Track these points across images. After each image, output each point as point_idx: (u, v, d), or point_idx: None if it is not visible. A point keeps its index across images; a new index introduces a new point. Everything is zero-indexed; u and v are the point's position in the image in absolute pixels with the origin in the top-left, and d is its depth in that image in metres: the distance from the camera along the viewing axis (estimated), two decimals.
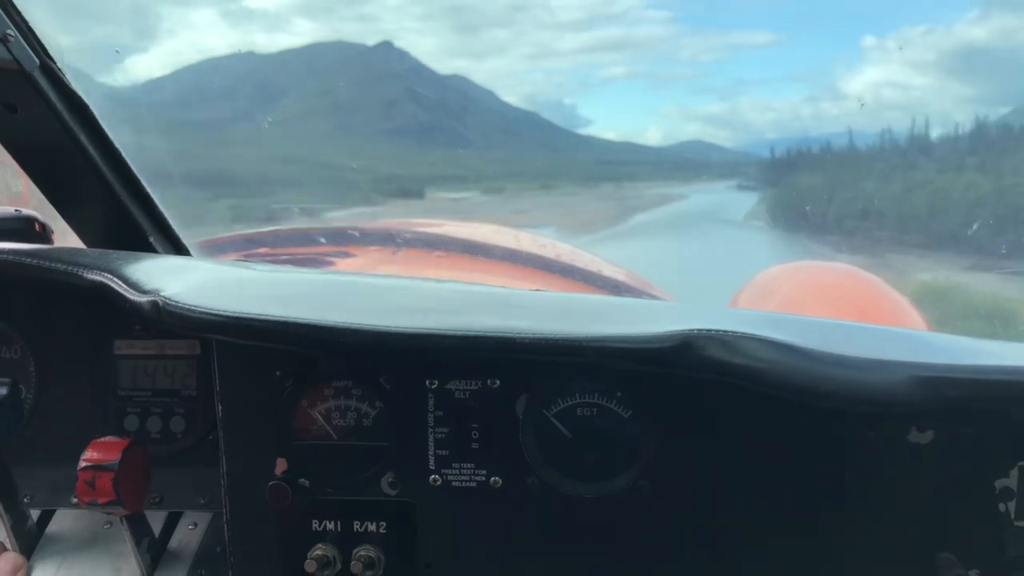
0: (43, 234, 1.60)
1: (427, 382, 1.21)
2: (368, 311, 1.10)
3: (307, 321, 1.06)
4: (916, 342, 1.18)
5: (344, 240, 2.46)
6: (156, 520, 1.39)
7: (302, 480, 1.24)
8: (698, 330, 1.01)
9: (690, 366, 1.01)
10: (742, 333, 1.00)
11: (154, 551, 1.33)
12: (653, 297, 2.61)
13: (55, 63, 1.36)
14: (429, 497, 1.23)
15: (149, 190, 1.58)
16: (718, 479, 1.19)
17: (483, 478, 1.22)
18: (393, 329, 1.05)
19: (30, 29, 1.32)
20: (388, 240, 2.55)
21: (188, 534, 1.39)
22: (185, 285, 1.17)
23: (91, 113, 1.44)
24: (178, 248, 1.69)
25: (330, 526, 1.25)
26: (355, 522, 1.25)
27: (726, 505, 1.19)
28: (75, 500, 1.23)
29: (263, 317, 1.06)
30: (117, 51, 1.60)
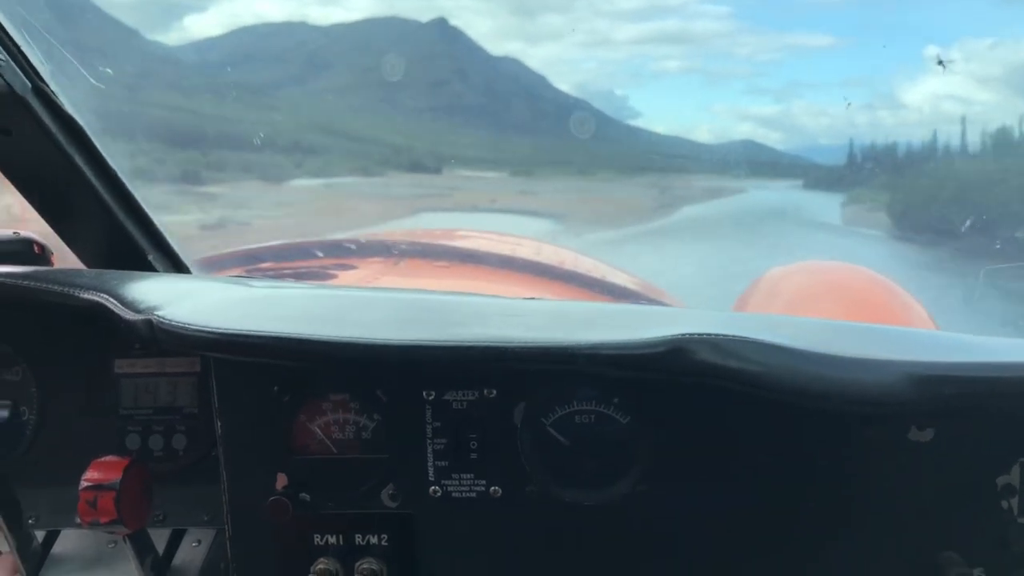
0: (42, 256, 1.61)
1: (424, 393, 1.21)
2: (361, 324, 1.10)
3: (300, 336, 1.06)
4: (911, 340, 1.18)
5: (345, 252, 2.47)
6: (160, 538, 1.39)
7: (303, 495, 1.24)
8: (689, 335, 1.01)
9: (682, 371, 1.01)
10: (733, 336, 1.00)
11: (158, 569, 1.34)
12: (655, 302, 2.61)
13: (47, 86, 1.37)
14: (429, 508, 1.23)
15: (146, 209, 1.59)
16: (717, 482, 1.19)
17: (483, 488, 1.22)
18: (386, 342, 1.05)
19: (21, 52, 1.33)
20: (388, 251, 2.56)
21: (192, 551, 1.39)
22: (180, 303, 1.17)
23: (86, 134, 1.45)
24: (177, 266, 1.69)
25: (332, 540, 1.25)
26: (356, 535, 1.25)
27: (726, 508, 1.19)
28: (79, 520, 1.23)
29: (257, 333, 1.07)
30: None
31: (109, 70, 1.46)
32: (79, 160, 1.46)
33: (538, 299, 1.36)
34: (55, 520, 1.43)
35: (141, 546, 1.29)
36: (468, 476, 1.22)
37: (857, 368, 1.00)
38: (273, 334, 1.06)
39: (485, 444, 1.21)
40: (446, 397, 1.21)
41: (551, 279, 2.55)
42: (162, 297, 1.20)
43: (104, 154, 1.49)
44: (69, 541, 1.42)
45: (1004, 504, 1.16)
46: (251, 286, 1.42)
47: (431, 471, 1.22)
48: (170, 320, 1.10)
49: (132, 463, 1.22)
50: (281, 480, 1.24)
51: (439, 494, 1.22)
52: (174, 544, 1.41)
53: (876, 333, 1.23)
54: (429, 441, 1.22)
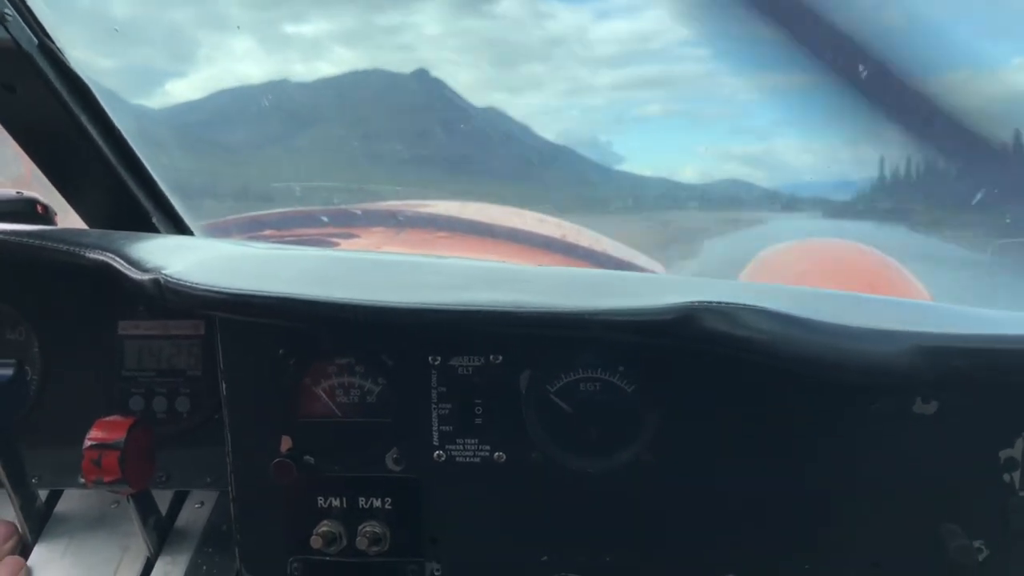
0: (45, 216, 1.60)
1: (430, 359, 1.21)
2: (369, 287, 1.10)
3: (308, 297, 1.06)
4: (922, 312, 1.18)
5: (348, 221, 2.45)
6: (163, 499, 1.39)
7: (307, 457, 1.24)
8: (699, 302, 1.00)
9: (692, 338, 1.01)
10: (743, 305, 1.00)
11: (161, 529, 1.34)
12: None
13: (54, 43, 1.36)
14: (433, 473, 1.23)
15: (151, 171, 1.58)
16: (721, 452, 1.19)
17: (487, 453, 1.22)
18: (394, 305, 1.05)
19: (28, 9, 1.32)
20: (391, 220, 2.54)
21: (195, 512, 1.40)
22: (187, 263, 1.17)
23: (92, 93, 1.44)
24: (181, 229, 1.69)
25: (335, 503, 1.25)
26: (360, 498, 1.25)
27: (729, 478, 1.19)
28: (82, 480, 1.23)
29: (264, 293, 1.06)
30: (116, 30, 1.59)
31: None
32: (84, 119, 1.45)
33: (547, 267, 1.36)
34: (58, 480, 1.43)
35: (144, 506, 1.30)
36: (472, 441, 1.22)
37: (866, 338, 1.00)
38: (281, 295, 1.05)
39: (490, 410, 1.21)
40: (451, 362, 1.21)
41: (556, 252, 2.54)
42: (169, 257, 1.19)
43: (110, 114, 1.48)
44: (72, 501, 1.42)
45: (1006, 477, 1.17)
46: (253, 249, 1.41)
47: (435, 436, 1.22)
48: (178, 279, 1.09)
49: (136, 423, 1.23)
50: (285, 443, 1.24)
51: (443, 459, 1.23)
52: (177, 505, 1.41)
53: (884, 304, 1.22)
54: (434, 406, 1.22)
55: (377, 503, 1.25)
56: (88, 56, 1.45)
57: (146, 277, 1.13)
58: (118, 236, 1.33)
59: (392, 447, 1.24)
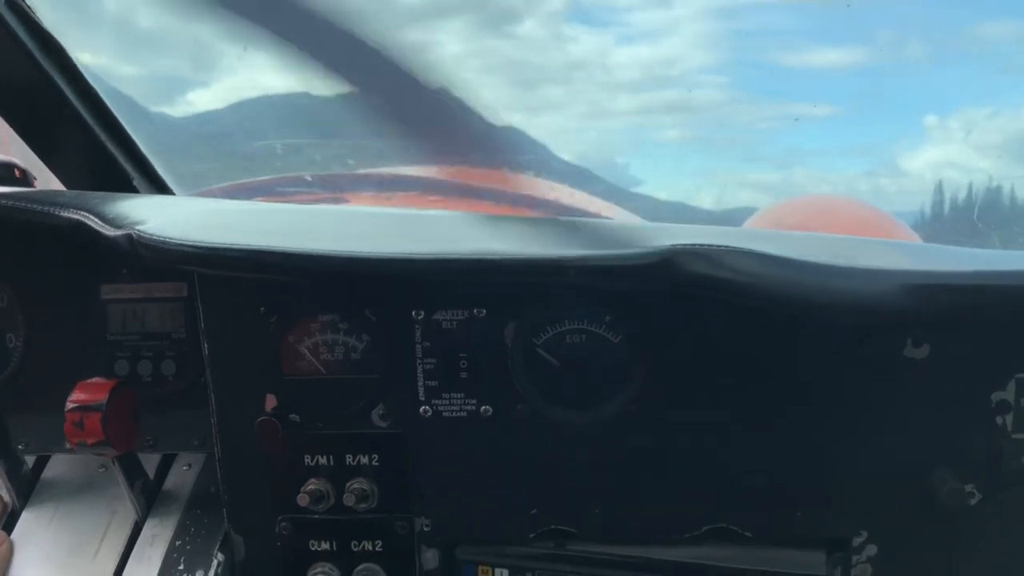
0: (23, 180, 1.58)
1: (413, 313, 1.19)
2: (347, 238, 1.08)
3: (283, 249, 1.04)
4: (908, 250, 1.16)
5: (337, 187, 2.43)
6: (150, 463, 1.38)
7: (292, 415, 1.23)
8: (680, 244, 0.98)
9: (673, 282, 0.99)
10: (725, 246, 0.98)
11: (148, 492, 1.33)
12: None
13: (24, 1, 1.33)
14: (420, 428, 1.22)
15: (131, 132, 1.55)
16: (709, 401, 1.18)
17: (473, 407, 1.21)
18: (371, 255, 1.03)
19: None
20: (383, 186, 2.51)
21: (182, 475, 1.39)
22: (162, 219, 1.15)
23: (64, 51, 1.41)
24: (162, 190, 1.66)
25: (322, 460, 1.24)
26: (347, 455, 1.24)
27: (717, 427, 1.18)
28: (69, 445, 1.22)
29: (239, 246, 1.04)
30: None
31: None
32: (57, 78, 1.42)
33: (530, 217, 1.33)
34: (44, 445, 1.42)
35: (130, 469, 1.29)
36: (458, 396, 1.21)
37: (854, 276, 0.98)
38: (257, 247, 1.03)
39: (475, 364, 1.20)
40: (435, 317, 1.19)
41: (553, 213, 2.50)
42: (144, 214, 1.17)
43: (84, 73, 1.45)
44: (59, 466, 1.41)
45: (998, 420, 1.15)
46: (235, 205, 1.39)
47: (421, 391, 1.21)
48: (151, 234, 1.07)
49: (119, 384, 1.21)
50: (270, 401, 1.23)
51: (429, 414, 1.21)
52: (164, 469, 1.40)
53: (872, 244, 1.20)
54: (419, 361, 1.20)
55: (364, 460, 1.24)
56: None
57: (119, 233, 1.11)
58: (95, 196, 1.31)
59: (378, 403, 1.22)
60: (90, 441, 1.18)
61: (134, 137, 1.56)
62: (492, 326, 1.19)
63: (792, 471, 1.19)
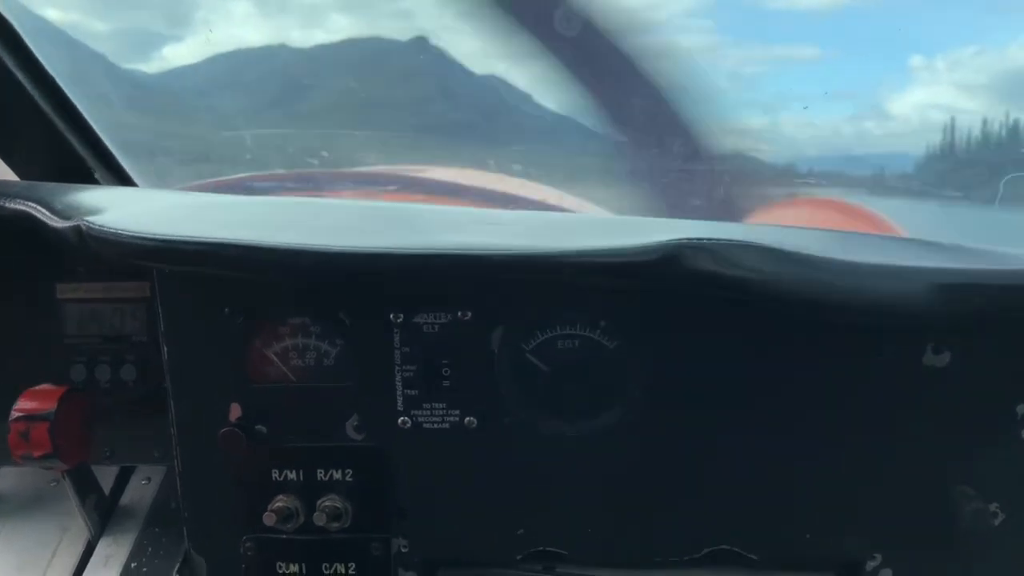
0: None
1: (392, 316, 1.09)
2: (318, 231, 0.99)
3: (246, 242, 0.94)
4: (929, 248, 1.07)
5: (316, 186, 2.33)
6: (107, 476, 1.29)
7: (259, 427, 1.13)
8: (685, 239, 0.90)
9: (677, 279, 0.91)
10: (731, 240, 0.89)
11: (103, 508, 1.24)
12: None
13: None
14: (398, 441, 1.12)
15: (91, 121, 1.45)
16: (712, 411, 1.09)
17: (456, 419, 1.11)
18: (345, 249, 0.93)
19: None
20: (363, 184, 2.42)
21: (141, 489, 1.29)
22: (116, 211, 1.05)
23: (19, 36, 1.32)
24: (123, 178, 1.56)
25: (291, 475, 1.14)
26: (319, 470, 1.14)
27: (722, 440, 1.09)
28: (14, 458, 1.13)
29: (197, 239, 0.94)
30: None
31: None
32: (12, 65, 1.32)
33: (519, 211, 1.24)
34: None
35: (83, 484, 1.19)
36: (440, 406, 1.11)
37: (874, 275, 0.89)
38: (216, 240, 0.94)
39: (459, 371, 1.10)
40: (416, 319, 1.10)
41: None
42: (98, 205, 1.08)
43: (40, 58, 1.35)
44: (8, 479, 1.32)
45: (1023, 435, 1.07)
46: (199, 197, 1.29)
47: (400, 400, 1.12)
48: (101, 226, 0.97)
49: (69, 391, 1.12)
50: (235, 411, 1.13)
51: (409, 425, 1.12)
52: (122, 482, 1.30)
53: (887, 241, 1.12)
54: (398, 368, 1.11)
55: (337, 475, 1.14)
56: None
57: (67, 224, 1.01)
58: (47, 187, 1.21)
59: (352, 414, 1.13)
60: (36, 454, 1.09)
61: (95, 127, 1.46)
62: (478, 330, 1.09)
63: (801, 489, 1.10)
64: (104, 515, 1.24)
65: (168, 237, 0.94)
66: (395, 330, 1.10)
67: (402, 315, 1.10)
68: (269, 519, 1.12)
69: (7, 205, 1.12)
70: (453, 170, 2.83)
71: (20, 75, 1.34)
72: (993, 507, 1.08)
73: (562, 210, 2.47)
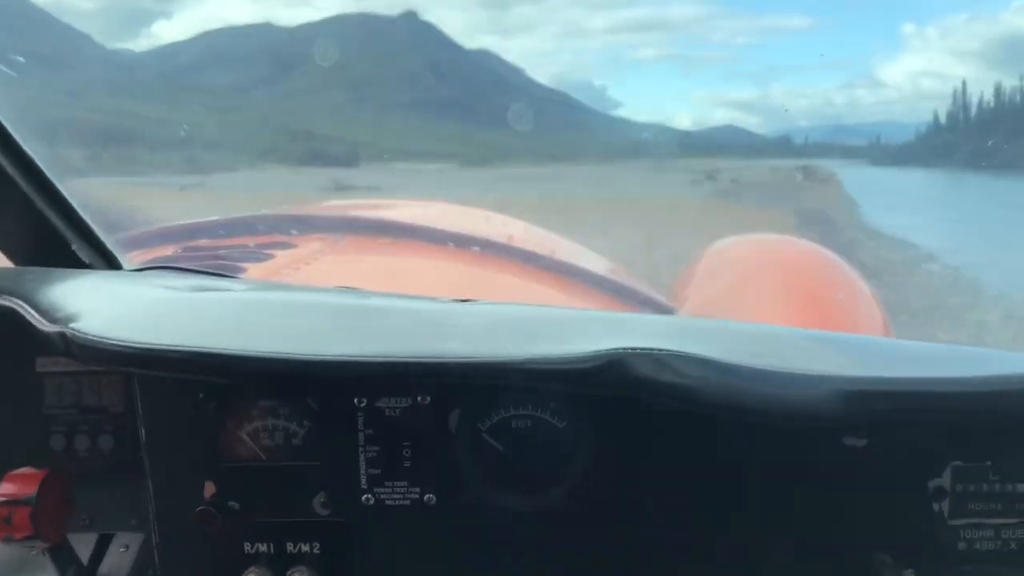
0: None
1: (356, 400, 1.18)
2: (291, 336, 1.07)
3: (224, 352, 1.02)
4: (850, 348, 1.17)
5: (284, 229, 2.40)
6: (86, 543, 1.34)
7: (232, 503, 1.21)
8: (626, 349, 0.99)
9: (618, 385, 1.00)
10: (669, 351, 0.98)
11: None
12: (622, 285, 2.57)
13: None
14: (362, 516, 1.20)
15: (66, 195, 1.51)
16: (654, 488, 1.18)
17: (416, 496, 1.19)
18: (315, 358, 1.02)
19: None
20: (331, 227, 2.49)
21: (119, 557, 1.35)
22: (98, 312, 1.12)
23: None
24: (104, 254, 1.62)
25: (262, 548, 1.22)
26: (288, 543, 1.22)
27: (662, 513, 1.18)
28: None
29: (178, 349, 1.02)
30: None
31: (21, 58, 1.37)
32: None
33: (475, 302, 1.32)
34: None
35: (62, 558, 1.25)
36: (402, 484, 1.19)
37: (791, 383, 0.99)
38: (196, 349, 1.02)
39: (419, 451, 1.19)
40: (379, 404, 1.18)
41: (501, 255, 2.50)
42: (81, 303, 1.14)
43: (17, 137, 1.41)
44: None
45: (935, 507, 1.17)
46: (178, 287, 1.35)
47: (363, 479, 1.19)
48: (85, 333, 1.04)
49: (49, 474, 1.18)
50: (209, 489, 1.21)
51: (372, 502, 1.20)
52: (100, 550, 1.36)
53: (813, 340, 1.22)
54: (361, 448, 1.19)
55: (305, 548, 1.22)
56: None
57: (53, 330, 1.08)
58: (30, 277, 1.28)
59: (320, 491, 1.20)
60: (18, 536, 1.15)
61: (70, 201, 1.52)
62: (436, 413, 1.18)
63: (735, 556, 1.19)
64: None
65: (152, 347, 1.02)
66: (359, 413, 1.18)
67: (366, 400, 1.18)
68: None
69: None
70: (419, 208, 2.91)
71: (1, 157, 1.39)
72: (908, 573, 1.18)
73: (524, 243, 2.55)
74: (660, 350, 0.99)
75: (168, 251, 2.17)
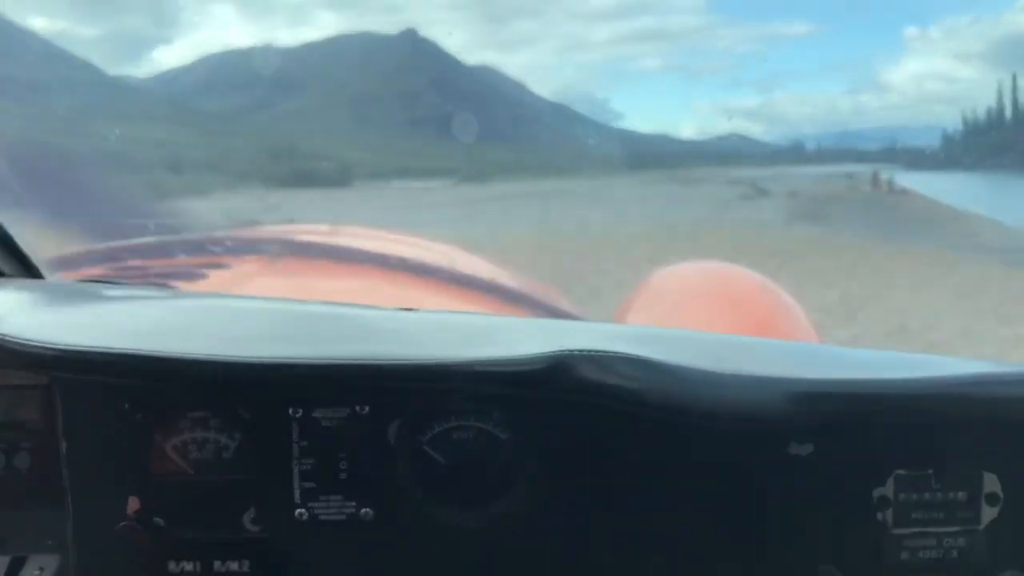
0: None
1: (290, 411, 1.13)
2: (222, 339, 1.02)
3: (152, 353, 0.97)
4: (793, 354, 1.17)
5: (216, 250, 2.34)
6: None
7: (157, 519, 1.15)
8: (568, 351, 0.97)
9: (563, 387, 0.98)
10: (613, 353, 0.97)
11: None
12: (548, 306, 2.57)
13: None
14: (295, 533, 1.15)
15: None
16: (597, 499, 1.15)
17: (353, 510, 1.15)
18: (247, 360, 0.97)
19: None
20: (265, 249, 2.44)
21: None
22: (20, 315, 1.07)
23: None
24: (26, 266, 1.55)
25: (188, 567, 1.16)
26: (216, 562, 1.16)
27: (606, 526, 1.16)
28: None
29: (103, 350, 0.97)
30: None
31: None
32: None
33: (417, 311, 1.29)
34: None
35: None
36: (337, 498, 1.15)
37: (735, 385, 0.98)
38: (122, 351, 0.97)
39: (356, 464, 1.14)
40: (315, 414, 1.13)
41: (438, 280, 2.48)
42: (2, 308, 1.08)
43: None
44: None
45: (879, 516, 1.17)
46: (105, 295, 1.30)
47: (297, 493, 1.14)
48: (6, 335, 0.99)
49: None
50: (133, 504, 1.14)
51: (305, 517, 1.15)
52: (13, 573, 1.28)
53: (758, 347, 1.22)
54: (295, 461, 1.14)
55: (234, 566, 1.16)
56: None
57: None
58: None
59: (250, 506, 1.15)
60: None
61: None
62: (375, 424, 1.14)
63: (679, 567, 1.17)
64: None
65: (75, 348, 0.97)
66: (294, 424, 1.13)
67: (301, 410, 1.13)
68: None
69: None
70: (367, 236, 2.87)
71: None
72: None
73: (493, 284, 2.53)
74: (605, 352, 0.97)
75: (96, 271, 2.10)
